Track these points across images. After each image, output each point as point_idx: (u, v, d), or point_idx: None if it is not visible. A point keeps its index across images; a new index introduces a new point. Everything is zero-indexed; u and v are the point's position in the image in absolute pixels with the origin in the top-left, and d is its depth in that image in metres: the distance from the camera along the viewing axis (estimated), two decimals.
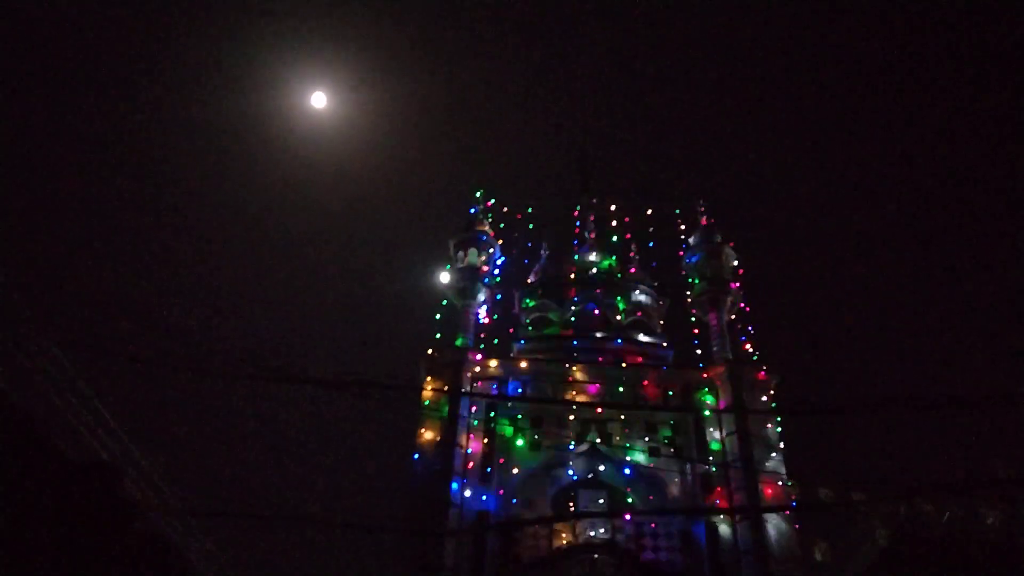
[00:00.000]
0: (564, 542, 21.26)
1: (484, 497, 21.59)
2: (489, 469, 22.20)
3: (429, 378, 23.51)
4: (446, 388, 23.00)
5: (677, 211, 28.37)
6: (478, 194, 28.57)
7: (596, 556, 20.79)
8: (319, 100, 43.98)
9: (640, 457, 22.89)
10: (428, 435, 22.47)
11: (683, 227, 28.26)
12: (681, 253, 27.25)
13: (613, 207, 30.01)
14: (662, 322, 27.87)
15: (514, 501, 21.93)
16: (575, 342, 25.76)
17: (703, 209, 28.46)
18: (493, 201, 28.83)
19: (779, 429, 23.14)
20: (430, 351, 23.81)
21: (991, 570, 13.51)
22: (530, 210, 28.90)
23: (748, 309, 26.17)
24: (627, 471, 22.69)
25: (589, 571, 20.55)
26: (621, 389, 23.76)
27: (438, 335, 24.75)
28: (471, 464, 22.12)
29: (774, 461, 22.29)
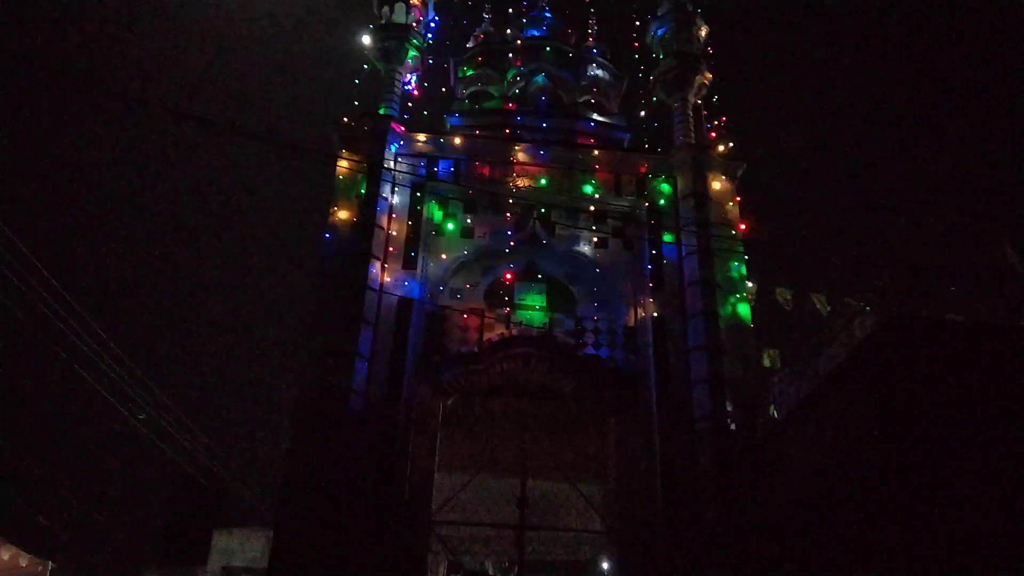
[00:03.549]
0: (496, 335, 18.95)
1: (407, 284, 18.87)
2: (414, 254, 19.35)
3: (344, 151, 20.01)
4: (365, 163, 19.58)
5: None
6: None
7: (530, 350, 18.65)
8: None
9: (586, 248, 20.33)
10: (342, 214, 19.31)
11: None
12: (647, 21, 23.34)
13: None
14: (619, 102, 24.42)
15: (440, 289, 19.33)
16: (518, 118, 22.25)
17: None
18: None
19: (743, 226, 20.72)
20: (345, 119, 20.10)
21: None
22: None
23: (716, 92, 22.91)
24: (571, 263, 20.20)
25: (522, 365, 18.47)
26: (569, 172, 20.74)
27: (356, 103, 20.94)
28: (392, 248, 19.19)
29: (734, 254, 19.99)
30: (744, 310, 19.55)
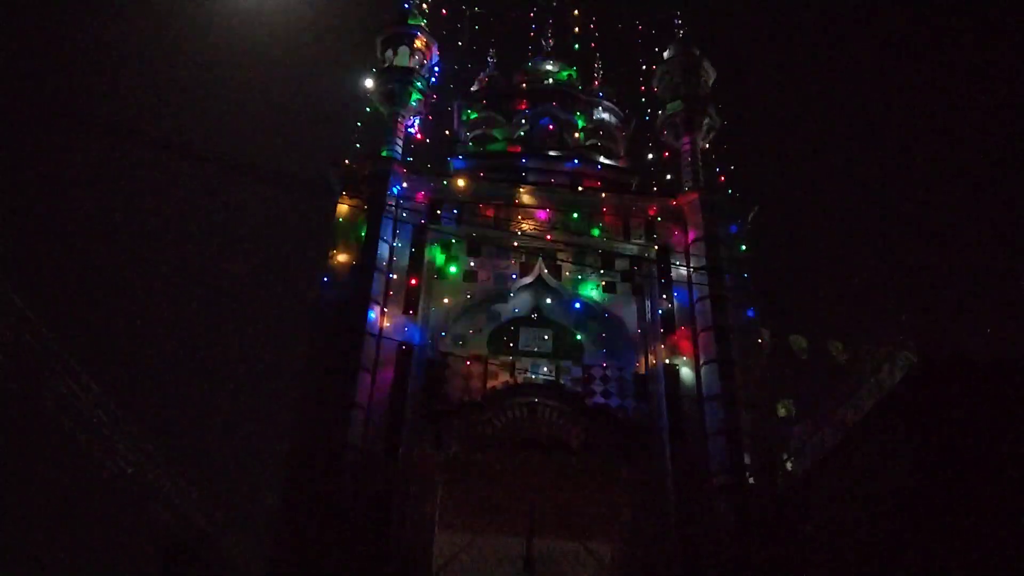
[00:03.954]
0: (500, 383, 18.08)
1: (407, 329, 18.08)
2: (415, 299, 18.59)
3: (344, 194, 19.47)
4: (366, 205, 19.05)
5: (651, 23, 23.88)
6: None
7: (536, 400, 17.76)
8: None
9: (593, 293, 19.59)
10: (341, 257, 18.70)
11: (655, 40, 24.01)
12: (653, 68, 23.06)
13: (576, 12, 25.37)
14: (626, 145, 23.97)
15: (442, 335, 18.53)
16: (524, 160, 21.75)
17: (680, 21, 24.15)
18: None
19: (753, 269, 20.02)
20: (347, 161, 19.62)
21: None
22: (476, 9, 24.10)
23: (725, 136, 22.46)
24: (577, 307, 19.44)
25: (528, 415, 17.55)
26: (575, 216, 20.14)
27: (357, 145, 20.51)
28: (392, 293, 18.46)
29: (747, 299, 19.24)
30: (759, 357, 18.71)
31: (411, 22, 22.28)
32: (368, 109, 21.44)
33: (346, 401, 16.45)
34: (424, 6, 23.68)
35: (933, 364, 11.61)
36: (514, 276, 19.34)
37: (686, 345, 18.64)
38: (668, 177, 21.59)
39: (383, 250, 18.60)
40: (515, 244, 19.67)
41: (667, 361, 18.47)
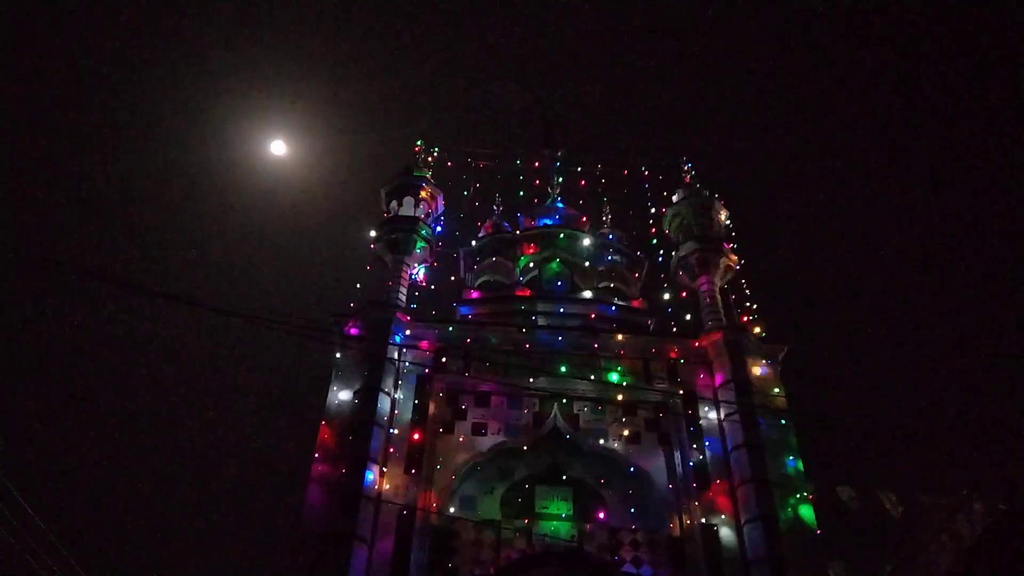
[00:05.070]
0: (516, 552, 15.88)
1: (409, 491, 16.17)
2: (419, 457, 16.84)
3: (346, 343, 18.27)
4: (367, 354, 17.79)
5: (656, 166, 23.72)
6: (419, 143, 23.76)
7: (559, 572, 15.51)
8: (279, 148, 41.17)
9: (616, 445, 17.75)
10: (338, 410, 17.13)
11: (663, 184, 23.74)
12: (664, 210, 22.57)
13: (579, 168, 25.37)
14: (639, 288, 22.97)
15: (450, 498, 16.57)
16: (534, 304, 20.66)
17: (687, 168, 24.02)
18: (436, 151, 24.01)
19: (791, 416, 18.27)
20: (351, 305, 18.67)
21: None
22: (481, 164, 24.09)
23: (743, 275, 21.48)
24: (600, 462, 17.54)
25: None
26: (592, 361, 18.72)
27: (359, 294, 19.62)
28: (393, 450, 16.74)
29: (787, 447, 17.37)
30: (807, 512, 16.59)
31: (416, 174, 22.17)
32: (375, 259, 20.82)
33: None
34: (430, 159, 23.75)
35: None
36: (527, 428, 17.63)
37: (724, 501, 16.58)
38: (688, 317, 20.38)
39: (383, 403, 17.12)
40: (527, 394, 18.15)
41: (703, 520, 16.33)
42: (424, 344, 18.62)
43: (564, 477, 17.40)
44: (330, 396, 17.12)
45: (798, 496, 16.71)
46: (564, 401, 18.05)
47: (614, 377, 18.46)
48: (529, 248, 22.48)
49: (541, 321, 20.00)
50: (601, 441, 17.64)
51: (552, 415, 17.77)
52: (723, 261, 20.89)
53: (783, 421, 17.72)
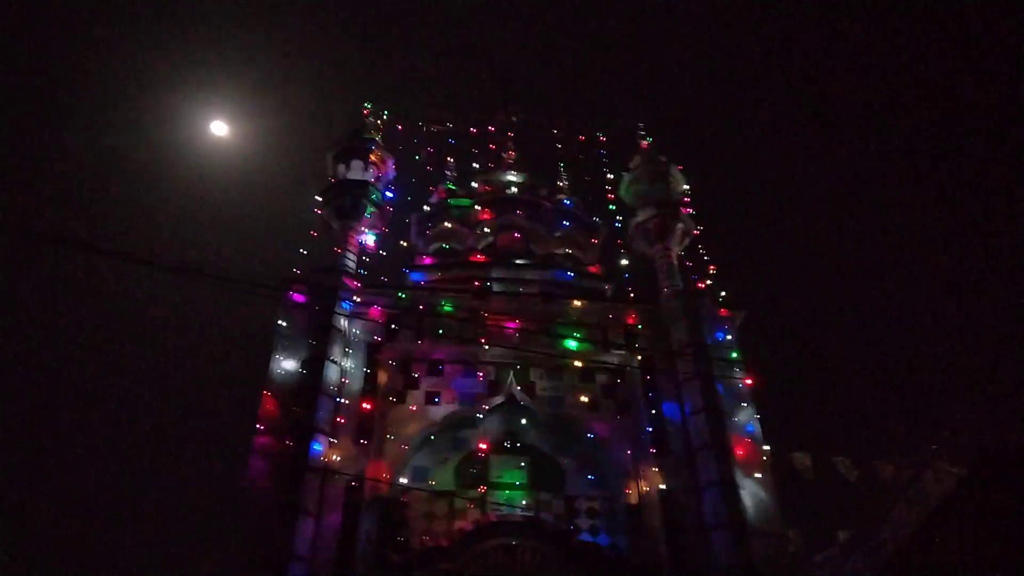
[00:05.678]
0: (470, 523, 15.35)
1: (359, 463, 15.48)
2: (368, 427, 16.14)
3: (291, 311, 17.38)
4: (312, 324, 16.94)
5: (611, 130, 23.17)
6: (367, 106, 22.78)
7: (514, 541, 15.01)
8: (219, 128, 39.73)
9: (573, 412, 17.29)
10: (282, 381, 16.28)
11: (620, 151, 23.23)
12: (622, 174, 22.05)
13: (536, 132, 24.68)
14: (597, 254, 22.46)
15: (401, 469, 15.93)
16: (489, 271, 19.99)
17: (643, 132, 23.55)
18: (386, 114, 23.07)
19: (748, 379, 18.01)
20: (296, 270, 17.75)
21: None
22: (435, 128, 23.22)
23: (701, 241, 21.12)
24: (556, 430, 17.07)
25: (505, 560, 14.71)
26: (548, 327, 18.18)
27: (303, 259, 18.65)
28: (343, 420, 16.01)
29: (745, 413, 17.13)
30: (765, 478, 16.36)
31: (366, 136, 21.22)
32: (322, 225, 19.87)
33: (284, 551, 13.57)
34: (379, 123, 22.82)
35: (991, 458, 9.51)
36: (482, 395, 17.05)
37: (682, 467, 16.26)
38: (646, 284, 19.98)
39: (331, 372, 16.33)
40: (482, 361, 17.56)
41: (662, 487, 16.01)
42: (374, 311, 17.84)
43: (520, 446, 16.90)
44: (272, 364, 16.24)
45: (756, 461, 16.48)
46: (520, 368, 17.51)
47: (571, 344, 17.96)
48: (484, 213, 21.77)
49: (496, 288, 19.37)
50: (558, 409, 17.17)
51: (508, 383, 17.22)
52: (681, 227, 20.50)
53: (741, 385, 17.46)
